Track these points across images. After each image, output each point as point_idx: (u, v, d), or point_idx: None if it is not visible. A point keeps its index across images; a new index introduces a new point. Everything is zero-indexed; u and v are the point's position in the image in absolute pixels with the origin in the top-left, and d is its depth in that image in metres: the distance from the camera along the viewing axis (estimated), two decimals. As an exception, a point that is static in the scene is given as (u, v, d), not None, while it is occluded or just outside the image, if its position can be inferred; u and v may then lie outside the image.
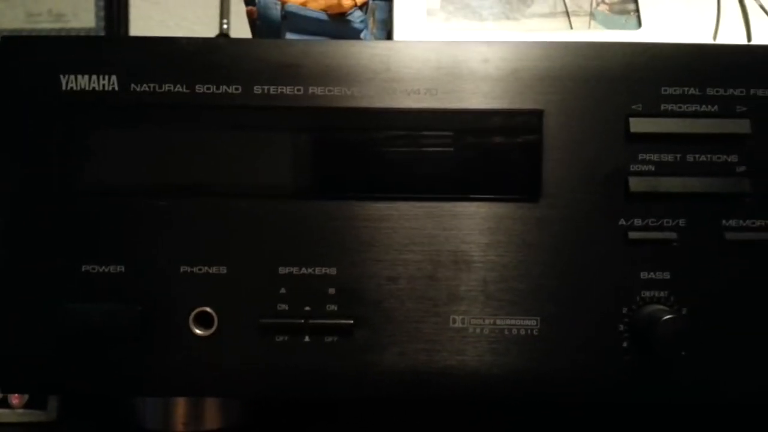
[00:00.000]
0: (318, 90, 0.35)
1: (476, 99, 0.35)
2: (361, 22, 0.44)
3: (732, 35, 0.41)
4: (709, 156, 0.35)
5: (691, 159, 0.35)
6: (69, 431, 0.41)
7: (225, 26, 0.77)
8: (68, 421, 0.42)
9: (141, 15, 1.24)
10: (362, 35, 0.45)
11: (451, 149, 0.36)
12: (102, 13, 1.23)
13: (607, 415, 0.43)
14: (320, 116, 0.36)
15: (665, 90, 0.35)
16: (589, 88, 0.35)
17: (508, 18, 0.42)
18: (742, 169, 0.35)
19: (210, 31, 1.06)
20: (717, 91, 0.35)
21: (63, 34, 1.23)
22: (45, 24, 1.23)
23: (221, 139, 0.36)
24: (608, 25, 0.41)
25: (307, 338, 0.35)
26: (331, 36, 0.44)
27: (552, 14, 0.41)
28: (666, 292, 0.35)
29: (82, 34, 1.22)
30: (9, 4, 1.22)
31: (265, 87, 0.35)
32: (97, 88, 0.35)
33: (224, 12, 0.81)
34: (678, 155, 0.35)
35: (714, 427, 0.42)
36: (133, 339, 0.35)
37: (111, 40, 0.35)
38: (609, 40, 0.39)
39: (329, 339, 0.35)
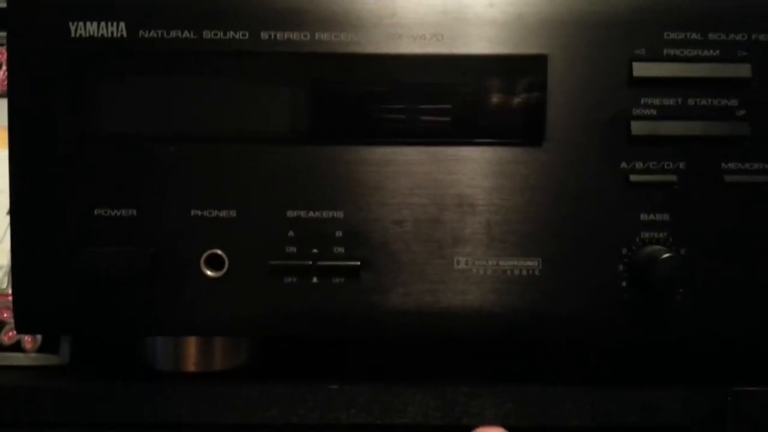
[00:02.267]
0: (324, 36, 0.36)
1: (481, 44, 0.36)
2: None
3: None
4: (709, 100, 0.36)
5: (692, 103, 0.36)
6: (81, 374, 0.42)
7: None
8: (80, 364, 0.44)
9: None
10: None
11: (456, 94, 0.36)
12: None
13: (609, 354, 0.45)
14: (327, 62, 0.36)
15: (668, 35, 0.35)
16: (592, 33, 0.36)
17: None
18: (742, 113, 0.36)
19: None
20: (719, 36, 0.36)
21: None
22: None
23: (229, 85, 0.36)
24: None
25: (315, 279, 0.36)
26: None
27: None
28: (665, 233, 0.36)
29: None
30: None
31: (272, 32, 0.36)
32: (105, 35, 0.36)
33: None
34: (679, 99, 0.36)
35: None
36: (145, 281, 0.36)
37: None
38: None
39: (336, 280, 0.36)
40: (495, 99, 0.36)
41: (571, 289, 0.36)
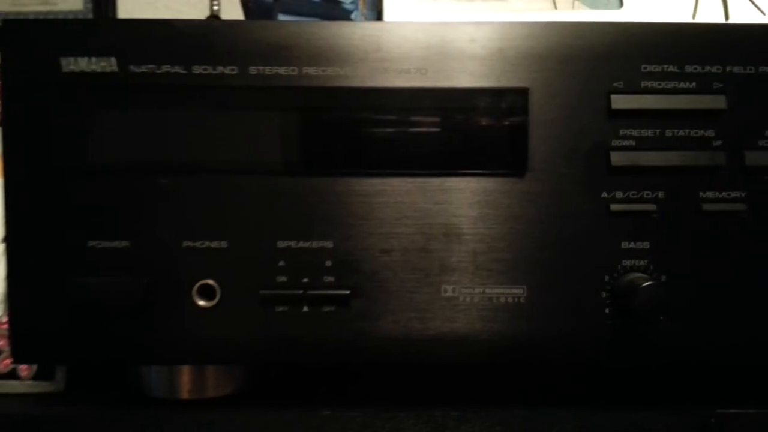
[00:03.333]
0: (311, 70, 0.37)
1: (464, 77, 0.37)
2: (352, 3, 0.45)
3: (710, 14, 0.43)
4: (686, 131, 0.37)
5: (670, 134, 0.37)
6: (76, 401, 0.43)
7: (216, 8, 0.77)
8: (76, 392, 0.44)
9: (129, -4, 1.24)
10: (353, 16, 0.46)
11: (441, 126, 0.37)
12: (89, -5, 1.22)
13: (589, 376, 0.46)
14: (314, 95, 0.37)
15: (645, 68, 0.37)
16: (572, 67, 0.37)
17: (495, -2, 0.43)
18: (718, 143, 0.37)
19: (197, 13, 1.06)
20: (695, 69, 0.37)
21: (50, 17, 1.22)
22: (32, 7, 1.22)
23: (219, 118, 0.37)
24: (592, 5, 0.43)
25: (305, 308, 0.37)
26: (323, 17, 0.45)
27: (538, -6, 0.43)
28: (646, 260, 0.37)
29: (70, 16, 1.21)
30: (-5, -14, 1.21)
31: (261, 67, 0.37)
32: (97, 70, 0.36)
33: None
34: (657, 130, 0.37)
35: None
36: (138, 311, 0.37)
37: (109, 23, 0.36)
38: (591, 20, 0.41)
39: (327, 309, 0.37)
40: (479, 131, 0.37)
41: (555, 315, 0.37)
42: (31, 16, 1.21)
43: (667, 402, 0.40)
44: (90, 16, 1.21)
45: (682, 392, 0.43)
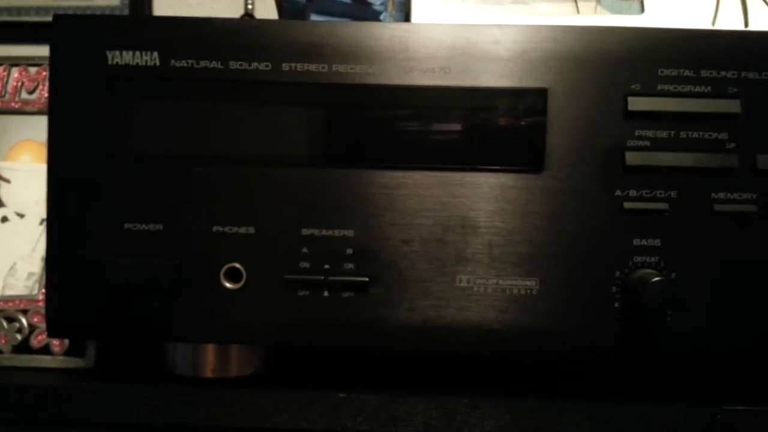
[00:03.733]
0: (341, 68, 0.38)
1: (487, 77, 0.38)
2: (381, 4, 0.47)
3: (730, 21, 0.44)
4: (701, 133, 0.38)
5: (685, 136, 0.38)
6: (105, 377, 0.45)
7: (250, 6, 0.80)
8: (104, 368, 0.46)
9: (165, -8, 1.27)
10: (382, 17, 0.48)
11: (463, 123, 0.39)
12: (126, -9, 1.26)
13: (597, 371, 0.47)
14: (343, 92, 0.39)
15: (662, 71, 0.38)
16: (591, 69, 0.38)
17: (519, 2, 0.44)
18: (731, 146, 0.38)
19: (231, 10, 1.08)
20: (711, 73, 0.38)
21: (89, 12, 1.26)
22: (71, 2, 1.26)
23: (252, 112, 0.39)
24: (613, 10, 0.44)
25: (326, 293, 0.39)
26: (354, 17, 0.47)
27: (560, -1, 0.44)
28: (656, 257, 0.38)
29: (107, 12, 1.25)
30: (35, -18, 1.25)
31: (293, 64, 0.38)
32: (140, 63, 0.39)
33: (249, -8, 0.84)
34: (672, 132, 0.38)
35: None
36: (168, 291, 0.39)
37: (152, 20, 0.39)
38: (613, 24, 0.42)
39: (346, 294, 0.39)
40: (499, 128, 0.39)
41: (567, 308, 0.38)
42: (71, 11, 1.25)
43: (675, 397, 0.41)
44: (126, 11, 1.25)
45: (691, 388, 0.43)
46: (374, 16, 0.47)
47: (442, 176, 0.39)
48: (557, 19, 0.44)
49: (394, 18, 0.48)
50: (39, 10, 1.21)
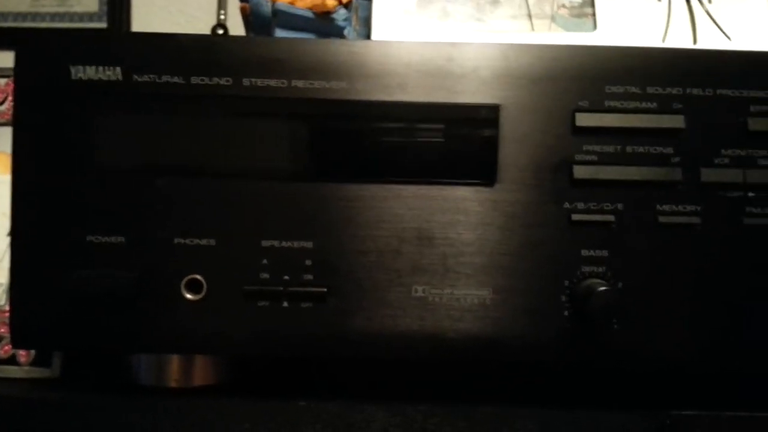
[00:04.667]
0: (300, 83, 0.40)
1: (441, 93, 0.39)
2: (345, 20, 0.48)
3: (680, 38, 0.45)
4: (646, 148, 0.39)
5: (631, 150, 0.39)
6: (71, 386, 0.45)
7: (222, 17, 0.81)
8: (70, 378, 0.47)
9: (143, 1, 1.28)
10: (345, 32, 0.49)
11: (418, 138, 0.40)
12: (104, -2, 1.26)
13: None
14: (302, 106, 0.40)
15: (609, 88, 0.39)
16: (541, 86, 0.39)
17: (476, 19, 0.46)
18: (676, 160, 0.39)
19: (210, 17, 1.09)
20: (656, 90, 0.39)
21: (66, 18, 1.26)
22: (49, 8, 1.26)
23: (213, 126, 0.40)
24: (567, 27, 0.45)
25: (285, 304, 0.40)
26: (317, 32, 0.48)
27: (516, 17, 0.45)
28: (604, 267, 0.39)
29: (85, 19, 1.25)
30: (15, -12, 1.25)
31: (253, 79, 0.39)
32: (103, 78, 0.39)
33: (222, 3, 0.84)
34: (619, 147, 0.39)
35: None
36: (130, 302, 0.40)
37: (116, 35, 0.40)
38: (566, 41, 0.43)
39: (305, 305, 0.40)
40: (453, 143, 0.40)
41: (518, 316, 0.39)
42: (48, 17, 1.25)
43: (627, 403, 0.42)
44: (105, 18, 1.25)
45: (641, 394, 0.45)
46: (338, 31, 0.48)
47: (398, 189, 0.40)
48: (512, 36, 0.45)
49: (358, 32, 0.49)
50: (17, 15, 1.21)
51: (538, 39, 0.45)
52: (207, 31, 0.98)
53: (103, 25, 1.25)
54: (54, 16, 1.26)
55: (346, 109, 0.39)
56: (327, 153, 0.40)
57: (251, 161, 0.40)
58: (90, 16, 1.27)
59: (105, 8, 1.26)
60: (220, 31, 0.74)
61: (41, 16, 1.26)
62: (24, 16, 1.23)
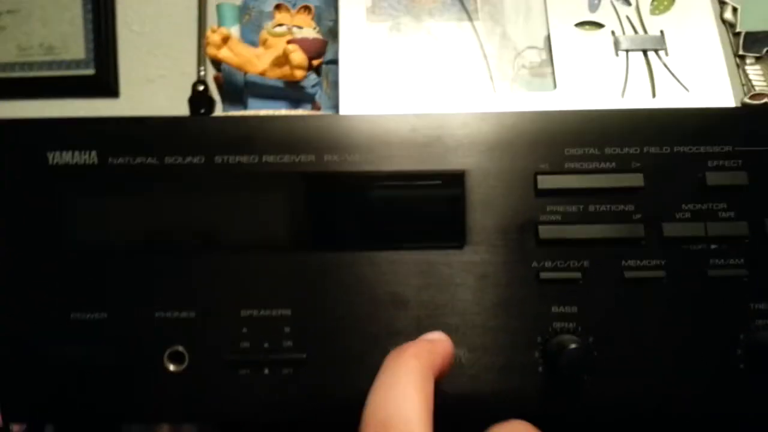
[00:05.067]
0: (270, 158, 0.41)
1: (407, 162, 0.41)
2: (314, 86, 0.50)
3: (638, 92, 0.47)
4: (608, 206, 0.41)
5: (593, 209, 0.41)
6: (64, 455, 0.46)
7: (202, 73, 0.82)
8: (63, 447, 0.48)
9: (129, 45, 1.30)
10: (317, 97, 0.51)
11: (387, 206, 0.41)
12: (91, 45, 1.28)
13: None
14: (273, 181, 0.41)
15: (568, 151, 0.41)
16: (503, 151, 0.41)
17: (440, 84, 0.47)
18: (637, 216, 0.41)
19: (195, 61, 1.11)
20: (614, 150, 0.41)
21: (54, 66, 1.28)
22: (37, 57, 1.28)
23: (187, 202, 0.41)
24: (528, 87, 0.47)
25: (266, 371, 0.41)
26: (289, 99, 0.49)
27: (478, 79, 0.47)
28: (574, 323, 0.40)
29: (73, 66, 1.27)
30: (1, 39, 1.27)
31: (225, 156, 0.41)
32: (79, 162, 0.41)
33: (201, 60, 0.86)
34: (581, 206, 0.41)
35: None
36: (116, 375, 0.41)
37: (91, 121, 0.41)
38: (526, 101, 0.45)
39: (286, 371, 0.41)
40: (421, 209, 0.41)
41: (493, 374, 0.41)
42: (36, 66, 1.27)
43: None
44: (92, 64, 1.27)
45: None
46: (308, 97, 0.50)
47: (371, 255, 0.41)
48: (474, 98, 0.47)
49: (329, 96, 0.51)
50: (5, 66, 1.24)
51: (499, 100, 0.47)
52: (193, 73, 1.00)
53: (92, 71, 1.27)
54: (42, 65, 1.29)
55: (315, 182, 0.41)
56: (299, 223, 0.41)
57: (226, 234, 0.41)
58: (77, 63, 1.29)
59: (92, 55, 1.29)
60: (201, 87, 0.76)
61: (29, 66, 1.28)
62: (12, 65, 1.25)
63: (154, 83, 1.27)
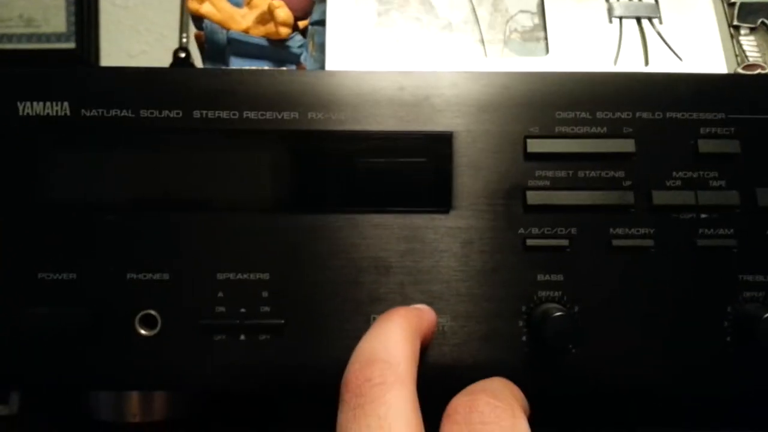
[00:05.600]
0: (252, 114, 0.39)
1: (393, 122, 0.40)
2: (300, 47, 0.48)
3: (631, 59, 0.46)
4: (598, 172, 0.40)
5: (582, 175, 0.40)
6: (28, 423, 0.45)
7: (184, 40, 0.80)
8: (28, 415, 0.46)
9: (111, 20, 1.27)
10: (302, 58, 0.49)
11: (371, 167, 0.40)
12: (73, 18, 1.25)
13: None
14: (253, 138, 0.39)
15: (559, 114, 0.40)
16: (492, 113, 0.40)
17: (429, 44, 0.46)
18: (627, 183, 0.40)
19: (178, 37, 1.09)
20: (606, 115, 0.40)
21: (34, 39, 1.25)
22: (16, 29, 1.25)
23: (163, 158, 0.40)
24: (519, 52, 0.46)
25: (242, 337, 0.39)
26: (272, 59, 0.48)
27: (469, 42, 0.46)
28: (560, 292, 0.39)
29: (53, 39, 1.24)
30: (-21, 10, 1.24)
31: (204, 111, 0.39)
32: (51, 113, 0.39)
33: (184, 26, 0.84)
34: (570, 171, 0.40)
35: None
36: (84, 339, 0.39)
37: (64, 71, 0.39)
38: (518, 66, 0.44)
39: (263, 337, 0.39)
40: (406, 171, 0.40)
41: (477, 343, 0.39)
42: (15, 39, 1.24)
43: (589, 424, 0.42)
44: (73, 38, 1.24)
45: (605, 414, 0.45)
46: (293, 58, 0.48)
47: (353, 218, 0.40)
48: (464, 62, 0.45)
49: (315, 58, 0.49)
50: (-16, 40, 1.20)
51: (490, 64, 0.45)
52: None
53: (72, 45, 1.24)
54: (21, 37, 1.25)
55: (297, 140, 0.39)
56: (280, 184, 0.40)
57: (203, 193, 0.40)
58: (58, 37, 1.26)
59: (73, 29, 1.26)
60: (182, 55, 0.74)
61: (8, 38, 1.25)
62: (-9, 40, 1.21)
63: (136, 59, 1.24)
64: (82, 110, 0.39)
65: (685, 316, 0.39)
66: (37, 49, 1.24)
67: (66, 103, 0.39)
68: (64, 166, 0.40)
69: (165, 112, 0.39)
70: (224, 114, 0.39)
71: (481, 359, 0.39)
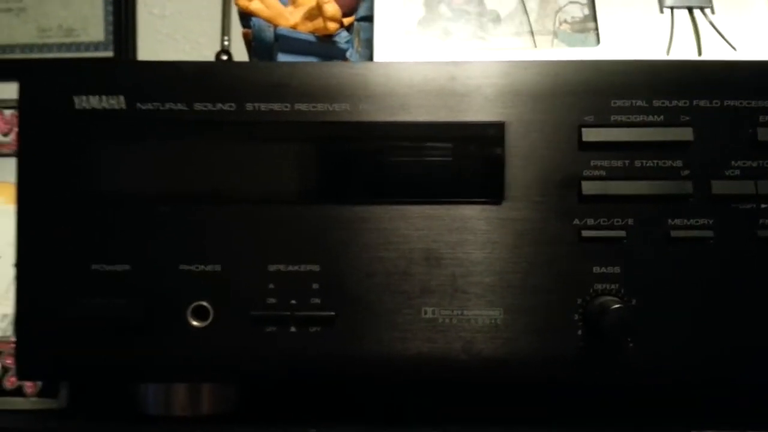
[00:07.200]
0: (303, 106, 0.39)
1: (445, 113, 0.39)
2: (347, 42, 0.48)
3: (684, 50, 0.45)
4: (655, 161, 0.39)
5: (639, 164, 0.39)
6: (77, 417, 0.45)
7: (226, 43, 0.81)
8: (77, 409, 0.46)
9: (149, 29, 1.29)
10: (348, 54, 0.49)
11: (422, 158, 0.39)
12: (111, 28, 1.28)
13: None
14: (306, 129, 0.40)
15: (615, 102, 0.39)
16: (546, 102, 0.39)
17: (478, 37, 0.45)
18: (686, 173, 0.39)
19: (214, 44, 1.10)
20: (663, 103, 0.39)
21: (73, 48, 1.28)
22: (56, 39, 1.28)
23: (216, 151, 0.40)
24: (569, 43, 0.45)
25: (293, 328, 0.39)
26: (320, 55, 0.48)
27: (518, 33, 0.45)
28: (617, 284, 0.38)
29: (92, 48, 1.27)
30: (21, 20, 1.27)
31: (256, 104, 0.39)
32: (106, 107, 0.39)
33: (225, 29, 0.85)
34: (627, 161, 0.39)
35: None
36: (136, 330, 0.39)
37: (120, 64, 0.40)
38: (568, 57, 0.43)
39: (313, 329, 0.39)
40: (458, 161, 0.39)
41: (530, 336, 0.39)
42: (55, 48, 1.27)
43: (644, 422, 0.41)
44: (111, 47, 1.27)
45: (659, 412, 0.44)
46: (340, 54, 0.48)
47: (404, 209, 0.39)
48: (515, 53, 0.45)
49: (361, 54, 0.49)
50: (24, 47, 1.23)
51: (540, 55, 0.45)
52: (212, 57, 0.99)
53: (110, 54, 1.26)
54: (61, 47, 1.28)
55: (350, 131, 0.39)
56: (332, 175, 0.40)
57: (256, 185, 0.40)
58: (96, 46, 1.29)
59: (111, 37, 1.28)
60: (224, 57, 0.74)
61: (48, 47, 1.28)
62: (31, 47, 1.24)
63: (173, 67, 1.26)
64: (138, 104, 0.39)
65: (745, 307, 0.38)
66: (77, 58, 1.27)
67: (122, 97, 0.39)
68: (118, 159, 0.40)
69: (219, 105, 0.39)
70: (276, 106, 0.39)
71: (535, 353, 0.39)
